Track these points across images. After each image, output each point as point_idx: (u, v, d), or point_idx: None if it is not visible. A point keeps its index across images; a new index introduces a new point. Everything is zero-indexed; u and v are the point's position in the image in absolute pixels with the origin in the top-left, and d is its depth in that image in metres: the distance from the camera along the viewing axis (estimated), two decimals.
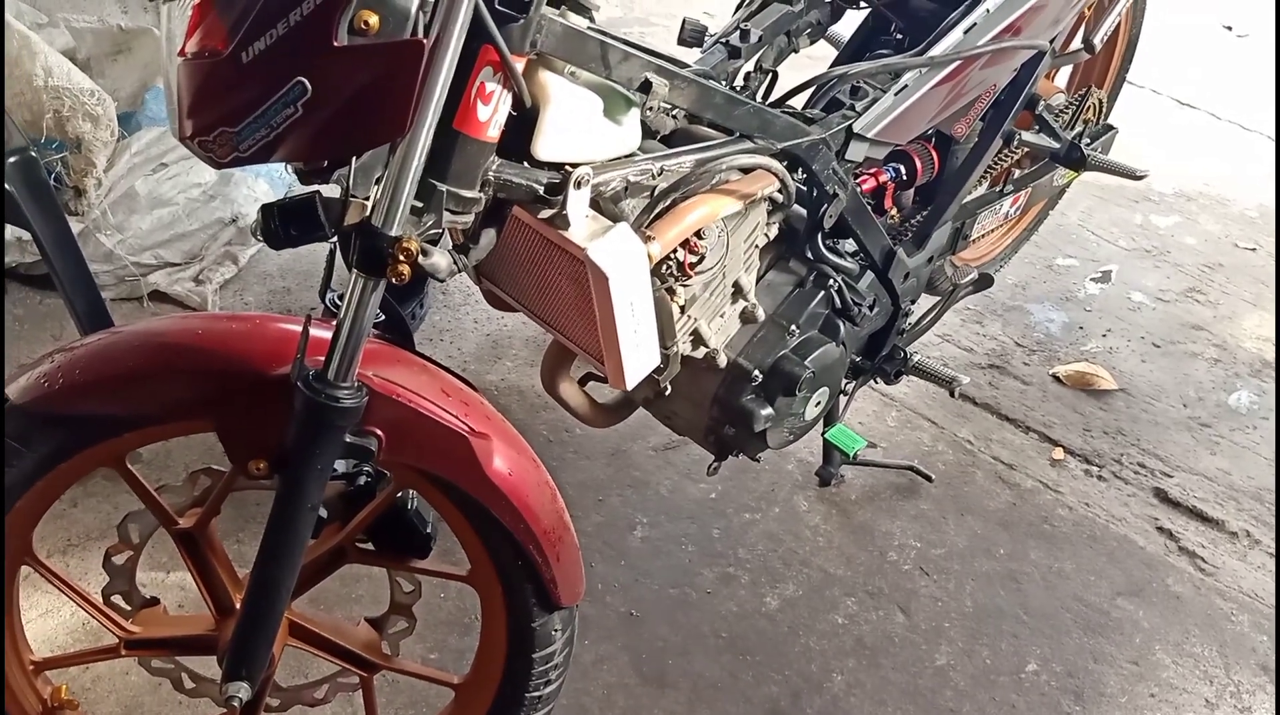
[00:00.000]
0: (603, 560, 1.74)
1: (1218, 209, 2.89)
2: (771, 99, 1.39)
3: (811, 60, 1.68)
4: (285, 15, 0.84)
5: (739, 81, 1.47)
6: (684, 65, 1.26)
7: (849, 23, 1.70)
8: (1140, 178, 1.77)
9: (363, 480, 1.17)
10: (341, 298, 0.97)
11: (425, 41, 0.87)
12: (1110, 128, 1.98)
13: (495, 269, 1.28)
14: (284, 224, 0.94)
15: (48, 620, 1.53)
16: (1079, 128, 1.88)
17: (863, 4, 1.61)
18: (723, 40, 1.42)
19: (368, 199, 0.95)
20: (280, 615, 1.09)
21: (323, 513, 1.17)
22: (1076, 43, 1.76)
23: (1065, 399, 2.19)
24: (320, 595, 1.44)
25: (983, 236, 1.84)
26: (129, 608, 1.19)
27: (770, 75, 1.49)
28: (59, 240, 1.62)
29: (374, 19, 0.85)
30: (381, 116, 0.89)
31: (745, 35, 1.42)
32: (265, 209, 0.95)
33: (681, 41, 1.48)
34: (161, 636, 1.19)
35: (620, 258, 1.08)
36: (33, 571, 1.15)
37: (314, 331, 1.01)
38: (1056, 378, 2.25)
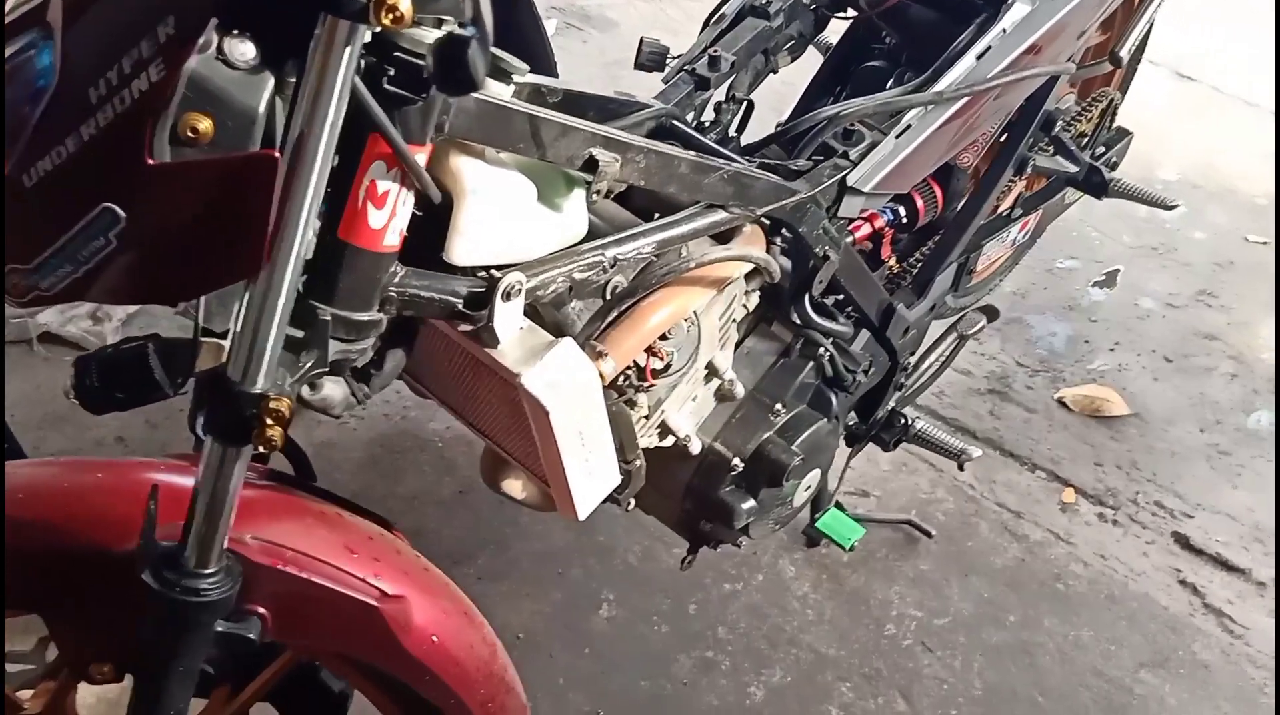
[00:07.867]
0: (564, 647, 1.54)
1: (1226, 198, 2.69)
2: (748, 144, 1.16)
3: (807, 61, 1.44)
4: (75, 128, 0.61)
5: (709, 114, 1.24)
6: (643, 107, 1.03)
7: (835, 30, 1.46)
8: (1171, 208, 1.55)
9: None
10: None
11: (278, 155, 0.64)
12: (1124, 133, 1.75)
13: (416, 366, 1.05)
14: (106, 383, 0.71)
15: None
16: (1095, 135, 1.66)
17: (852, 11, 1.37)
18: (688, 69, 1.18)
19: (225, 338, 0.73)
20: None
21: (209, 669, 0.97)
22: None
23: (1073, 427, 2.00)
24: None
25: (987, 268, 1.63)
26: None
27: (745, 105, 1.26)
28: None
29: (205, 124, 0.62)
30: (227, 250, 0.66)
31: (715, 63, 1.18)
32: (80, 363, 0.71)
33: (639, 65, 1.26)
34: None
35: (563, 385, 0.85)
36: None
37: (176, 479, 0.80)
38: (1063, 402, 2.05)
